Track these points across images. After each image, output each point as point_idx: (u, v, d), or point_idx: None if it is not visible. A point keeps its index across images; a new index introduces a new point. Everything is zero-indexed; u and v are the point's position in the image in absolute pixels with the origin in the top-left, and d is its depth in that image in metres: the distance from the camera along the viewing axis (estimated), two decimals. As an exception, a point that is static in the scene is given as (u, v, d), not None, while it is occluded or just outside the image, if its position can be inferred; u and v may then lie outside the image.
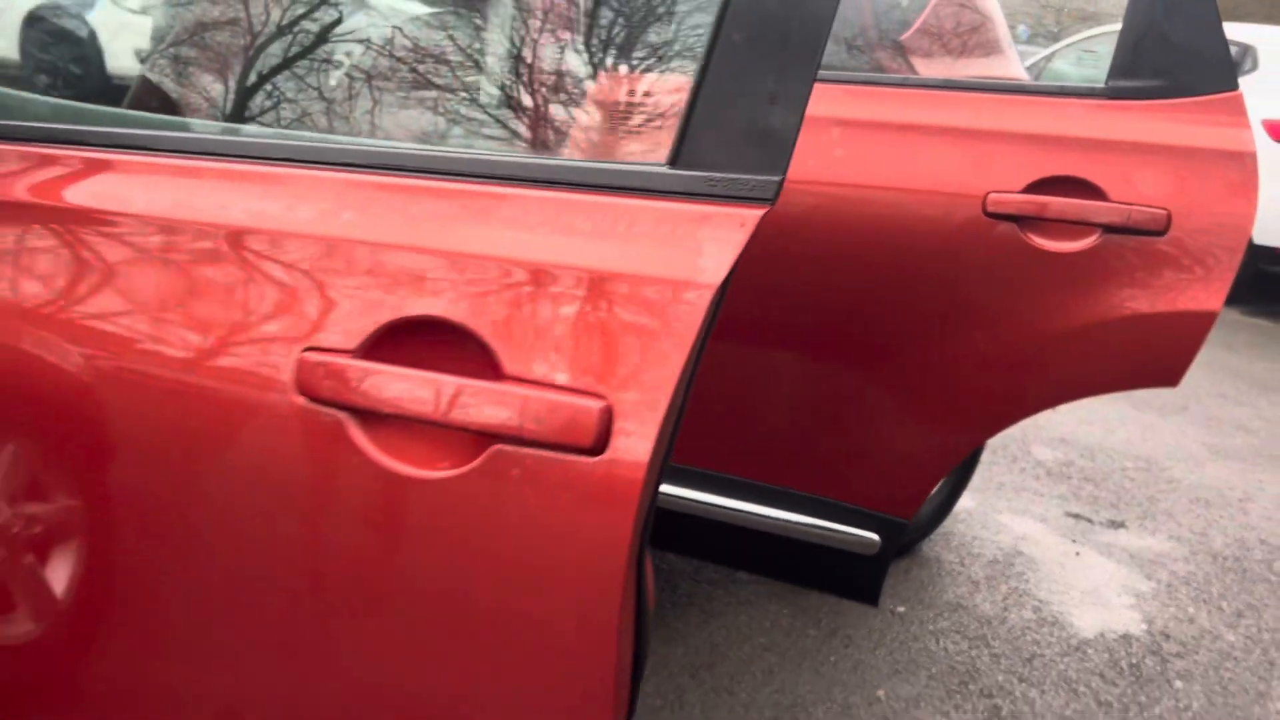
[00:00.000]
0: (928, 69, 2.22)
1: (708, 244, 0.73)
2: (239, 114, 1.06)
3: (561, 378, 0.74)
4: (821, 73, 1.81)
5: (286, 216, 0.86)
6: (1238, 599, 2.90)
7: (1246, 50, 6.55)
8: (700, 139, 0.73)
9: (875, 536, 1.92)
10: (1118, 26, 2.28)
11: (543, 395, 0.74)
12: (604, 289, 0.76)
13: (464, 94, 1.05)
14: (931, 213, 1.74)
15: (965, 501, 3.36)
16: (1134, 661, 2.55)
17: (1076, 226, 1.68)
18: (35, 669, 1.03)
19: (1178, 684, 2.47)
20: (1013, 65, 2.34)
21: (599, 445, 0.73)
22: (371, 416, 0.81)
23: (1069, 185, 1.69)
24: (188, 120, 1.11)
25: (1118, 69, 1.71)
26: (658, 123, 0.96)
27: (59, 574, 0.96)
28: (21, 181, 0.97)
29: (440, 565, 0.80)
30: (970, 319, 1.77)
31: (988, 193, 1.71)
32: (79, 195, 0.94)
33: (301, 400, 0.82)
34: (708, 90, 0.73)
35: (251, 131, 1.06)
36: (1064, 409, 4.39)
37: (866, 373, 1.87)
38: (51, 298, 0.91)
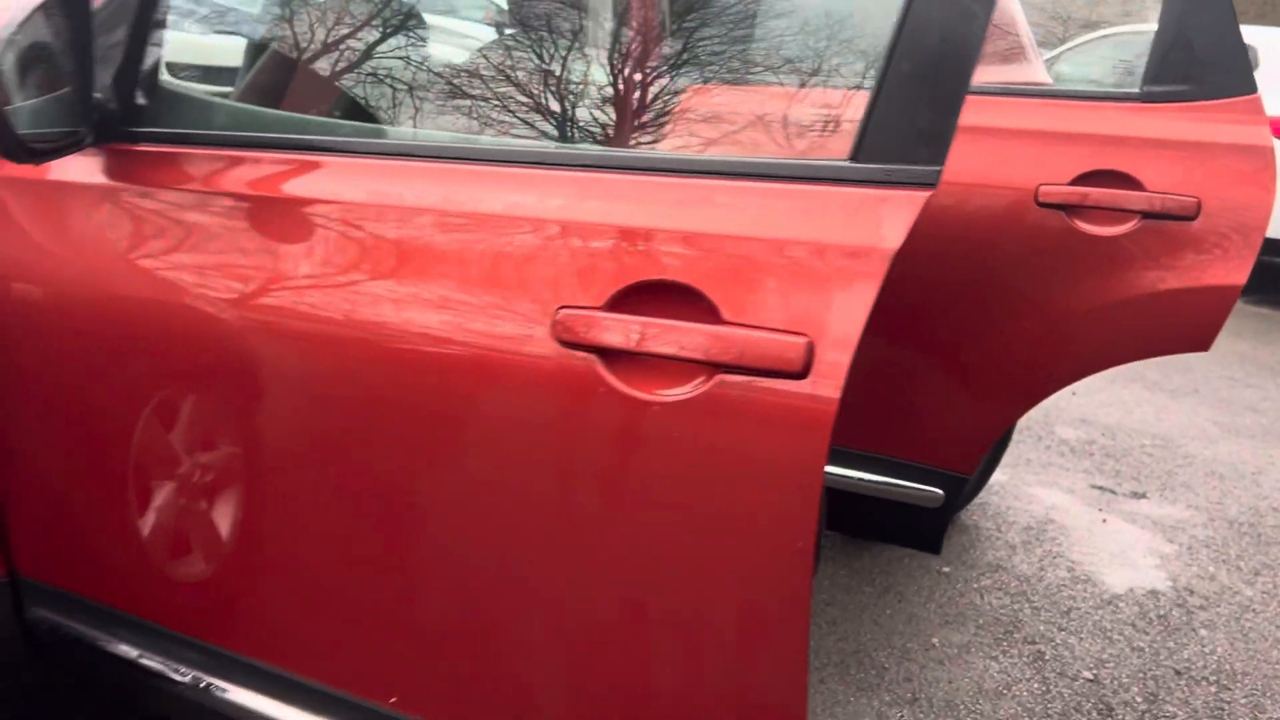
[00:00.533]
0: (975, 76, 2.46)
1: (886, 220, 0.97)
2: (507, 127, 1.32)
3: (772, 321, 0.98)
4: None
5: (541, 205, 1.10)
6: (1254, 559, 3.15)
7: (1249, 51, 6.79)
8: (877, 138, 0.98)
9: (939, 491, 2.16)
10: (1113, 31, 2.49)
11: (758, 334, 0.99)
12: (804, 254, 1.00)
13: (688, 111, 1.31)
14: (989, 204, 1.99)
15: (997, 476, 3.61)
16: (1162, 613, 2.80)
17: (1117, 213, 1.93)
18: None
19: (1203, 632, 2.72)
20: (1040, 70, 2.58)
21: (804, 371, 0.97)
22: (616, 356, 1.05)
23: (1110, 178, 1.94)
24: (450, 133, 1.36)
25: (1151, 76, 1.96)
26: (833, 127, 1.21)
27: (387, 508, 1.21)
28: (322, 179, 1.22)
29: (672, 473, 1.04)
30: (1023, 296, 2.01)
31: (1039, 185, 1.95)
32: (359, 192, 1.19)
33: (558, 346, 1.07)
34: (883, 100, 0.97)
35: (509, 141, 1.32)
36: (1083, 393, 4.64)
37: (932, 348, 2.12)
38: (349, 279, 1.16)
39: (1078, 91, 2.04)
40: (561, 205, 1.11)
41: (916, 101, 0.97)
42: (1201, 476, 3.78)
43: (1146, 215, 1.90)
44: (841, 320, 0.98)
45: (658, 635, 1.12)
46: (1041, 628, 2.68)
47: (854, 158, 1.01)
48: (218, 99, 1.50)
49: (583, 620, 1.14)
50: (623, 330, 1.04)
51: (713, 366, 1.02)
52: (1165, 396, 4.71)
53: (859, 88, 1.21)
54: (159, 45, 1.40)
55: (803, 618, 1.03)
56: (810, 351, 0.97)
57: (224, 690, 1.43)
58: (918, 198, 0.97)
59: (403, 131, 1.46)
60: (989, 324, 2.04)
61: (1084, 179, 1.95)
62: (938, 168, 0.97)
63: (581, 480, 1.09)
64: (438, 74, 1.49)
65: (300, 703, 1.37)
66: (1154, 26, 1.97)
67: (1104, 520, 3.35)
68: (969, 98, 2.06)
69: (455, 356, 1.12)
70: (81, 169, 1.41)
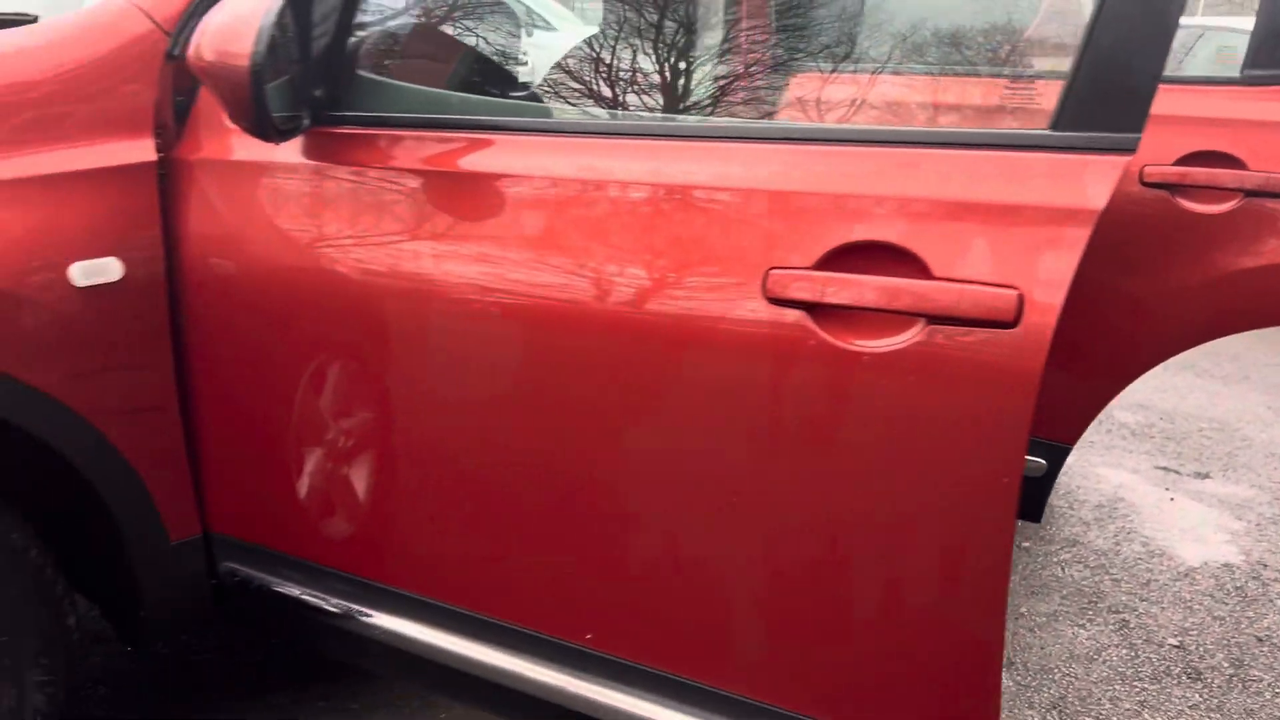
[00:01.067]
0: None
1: (1089, 183, 1.07)
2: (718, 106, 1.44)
3: (982, 276, 1.09)
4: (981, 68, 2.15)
5: (749, 175, 1.21)
6: (1322, 535, 3.24)
7: None
8: (1077, 108, 1.08)
9: (1042, 461, 2.26)
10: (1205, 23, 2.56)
11: (969, 287, 1.09)
12: (1010, 215, 1.10)
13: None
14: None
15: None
16: (1238, 585, 2.89)
17: (1221, 192, 2.02)
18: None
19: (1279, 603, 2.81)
20: None
21: (1015, 320, 1.07)
22: (826, 312, 1.15)
23: (1214, 158, 2.03)
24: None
25: (1251, 62, 2.05)
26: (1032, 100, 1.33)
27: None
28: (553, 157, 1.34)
29: (883, 418, 1.14)
30: (1128, 273, 2.11)
31: (1144, 165, 2.05)
32: (570, 167, 1.31)
33: (768, 304, 1.17)
34: (1083, 72, 1.08)
35: (715, 119, 1.44)
36: (1136, 380, 4.72)
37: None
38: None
39: (1178, 77, 2.13)
40: (771, 174, 1.22)
41: (1114, 73, 1.08)
42: (1261, 458, 3.86)
43: (1250, 193, 2.00)
44: (1050, 273, 1.08)
45: (862, 574, 1.22)
46: (1123, 598, 2.77)
47: (1054, 127, 1.11)
48: (409, 85, 1.61)
49: (790, 560, 1.25)
50: (833, 286, 1.14)
51: (925, 318, 1.12)
52: (1217, 383, 4.79)
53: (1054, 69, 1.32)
54: (356, 36, 1.51)
55: (1006, 553, 1.13)
56: (1021, 302, 1.08)
57: (418, 634, 1.54)
58: (1118, 162, 1.07)
59: (613, 112, 1.57)
60: (1095, 299, 2.13)
61: (1188, 159, 2.04)
62: (1136, 134, 1.07)
63: (793, 426, 1.20)
64: (657, 59, 1.61)
65: (500, 644, 1.48)
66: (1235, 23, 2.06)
67: (1171, 499, 3.44)
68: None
69: (671, 313, 1.23)
70: (285, 150, 1.52)
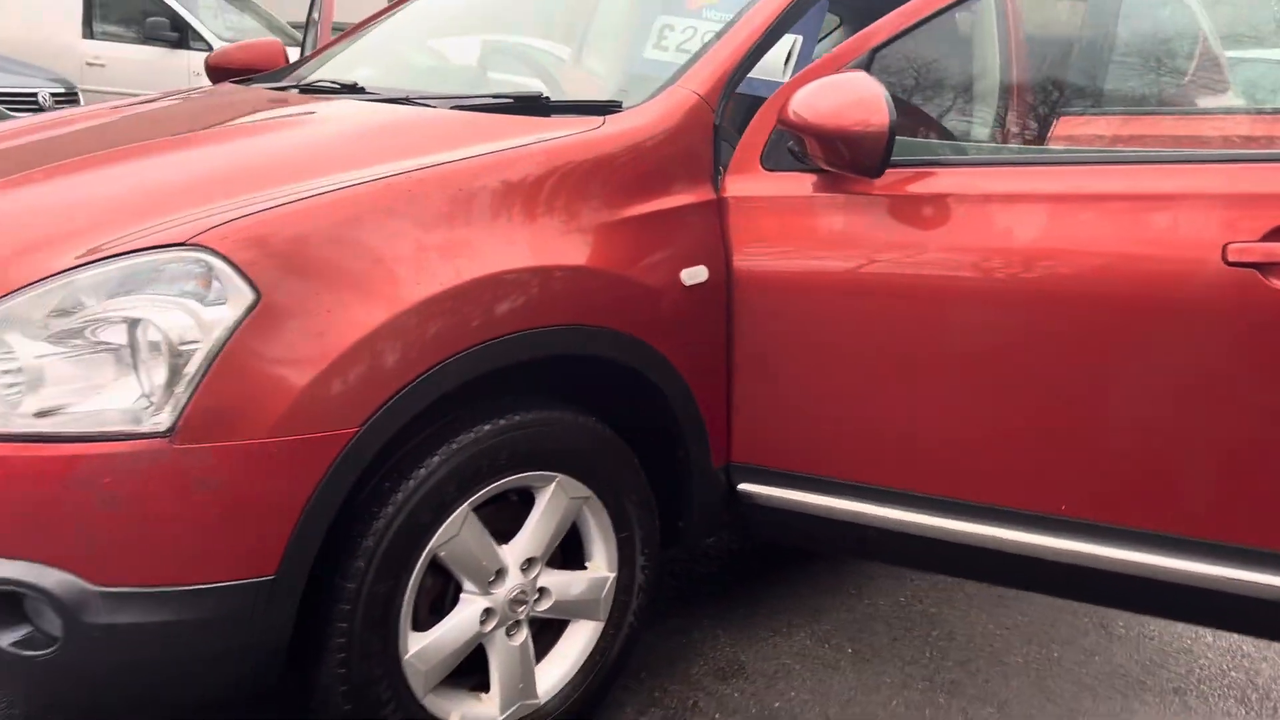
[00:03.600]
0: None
1: None
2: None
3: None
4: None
5: (1210, 184, 1.87)
6: None
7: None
8: None
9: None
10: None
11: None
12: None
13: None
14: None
15: None
16: None
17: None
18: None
19: None
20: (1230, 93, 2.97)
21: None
22: (1270, 268, 1.79)
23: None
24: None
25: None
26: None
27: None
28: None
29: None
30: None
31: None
32: (1063, 186, 1.98)
33: (1225, 266, 1.81)
34: None
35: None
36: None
37: None
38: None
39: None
40: (1223, 182, 1.87)
41: None
42: None
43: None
44: None
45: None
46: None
47: None
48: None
49: (1235, 438, 1.89)
50: (1275, 250, 1.79)
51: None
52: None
53: None
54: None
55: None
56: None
57: (918, 522, 2.18)
58: None
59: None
60: None
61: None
62: None
63: (1246, 356, 1.84)
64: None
65: (989, 521, 2.12)
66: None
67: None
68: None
69: (1156, 272, 1.88)
70: (788, 185, 2.19)
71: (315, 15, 4.62)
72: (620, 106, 2.29)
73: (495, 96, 2.40)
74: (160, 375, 1.64)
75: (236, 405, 1.67)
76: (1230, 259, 1.83)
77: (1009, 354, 2.05)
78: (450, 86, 2.91)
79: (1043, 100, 2.78)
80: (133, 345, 1.66)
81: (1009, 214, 2.04)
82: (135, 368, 1.66)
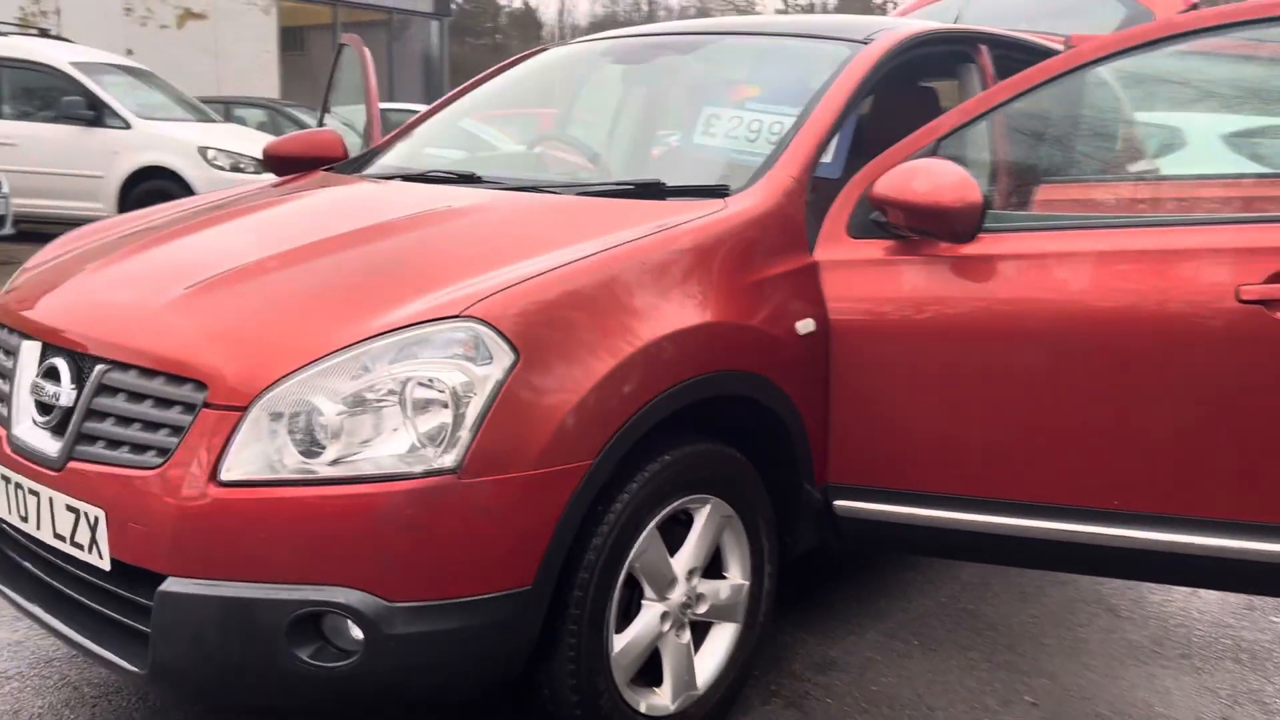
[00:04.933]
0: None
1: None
2: None
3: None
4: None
5: (1226, 240, 2.42)
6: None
7: None
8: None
9: None
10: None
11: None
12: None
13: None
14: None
15: None
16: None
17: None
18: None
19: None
20: None
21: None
22: (1274, 304, 2.34)
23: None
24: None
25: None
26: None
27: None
28: None
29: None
30: None
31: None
32: (1104, 246, 2.52)
33: (1238, 304, 2.35)
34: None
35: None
36: None
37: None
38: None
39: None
40: (1234, 239, 2.43)
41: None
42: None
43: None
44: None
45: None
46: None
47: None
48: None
49: (1243, 445, 2.42)
50: (1277, 290, 2.35)
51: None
52: None
53: None
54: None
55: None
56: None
57: (1008, 524, 2.65)
58: None
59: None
60: None
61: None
62: None
63: (1262, 366, 2.38)
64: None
65: (1053, 518, 2.60)
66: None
67: None
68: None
69: (1187, 308, 2.41)
70: (866, 250, 2.68)
71: (335, 77, 4.98)
72: (729, 189, 2.74)
73: (619, 183, 2.83)
74: (446, 423, 2.00)
75: (507, 446, 2.04)
76: (1242, 297, 2.38)
77: (1067, 380, 2.56)
78: (530, 172, 3.34)
79: (1081, 171, 3.32)
80: (413, 400, 2.02)
81: (1063, 268, 2.57)
82: (418, 417, 2.01)
